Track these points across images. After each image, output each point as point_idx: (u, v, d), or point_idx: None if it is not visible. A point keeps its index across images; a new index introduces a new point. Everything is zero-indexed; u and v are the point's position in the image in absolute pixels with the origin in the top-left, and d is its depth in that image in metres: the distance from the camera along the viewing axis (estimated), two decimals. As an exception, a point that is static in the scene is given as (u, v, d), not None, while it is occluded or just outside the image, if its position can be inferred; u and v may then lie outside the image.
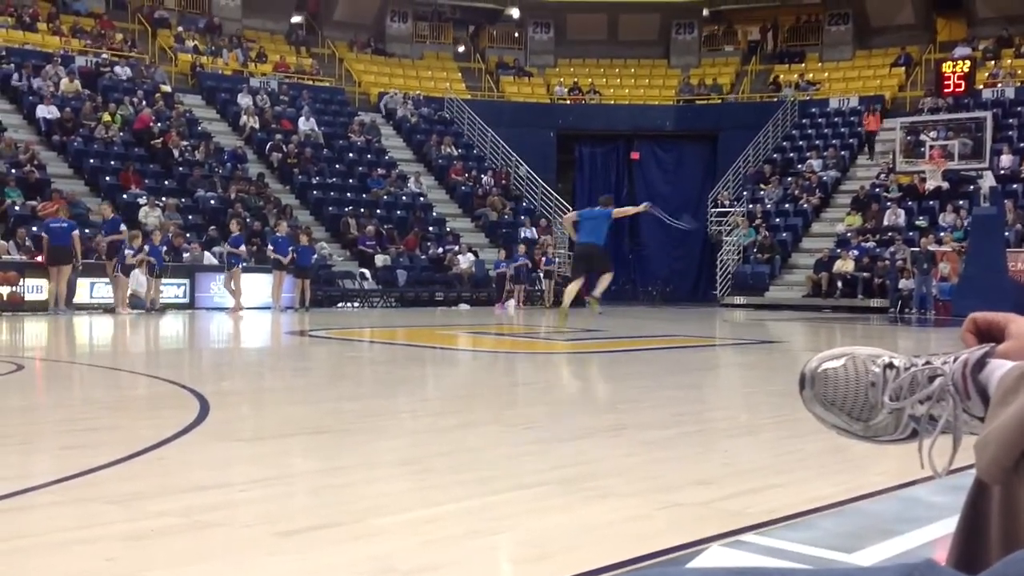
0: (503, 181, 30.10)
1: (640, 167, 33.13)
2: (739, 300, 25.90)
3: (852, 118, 30.84)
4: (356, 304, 22.78)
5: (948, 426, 1.04)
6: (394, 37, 34.86)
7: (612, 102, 33.80)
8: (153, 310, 18.45)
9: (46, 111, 24.11)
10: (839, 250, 25.31)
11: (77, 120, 24.31)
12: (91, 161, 23.40)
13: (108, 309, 17.82)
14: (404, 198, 27.60)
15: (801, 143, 30.70)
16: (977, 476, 0.94)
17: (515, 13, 35.47)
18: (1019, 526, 0.89)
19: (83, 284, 18.69)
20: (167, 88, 27.36)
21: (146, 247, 18.70)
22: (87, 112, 24.69)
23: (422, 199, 28.06)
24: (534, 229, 27.99)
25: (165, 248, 19.52)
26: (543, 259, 25.71)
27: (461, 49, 36.23)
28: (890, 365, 1.09)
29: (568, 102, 33.60)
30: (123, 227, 18.66)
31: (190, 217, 23.07)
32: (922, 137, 23.47)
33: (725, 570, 0.77)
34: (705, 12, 35.21)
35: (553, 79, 34.72)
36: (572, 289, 14.36)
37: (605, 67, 35.39)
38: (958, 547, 0.97)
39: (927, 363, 1.08)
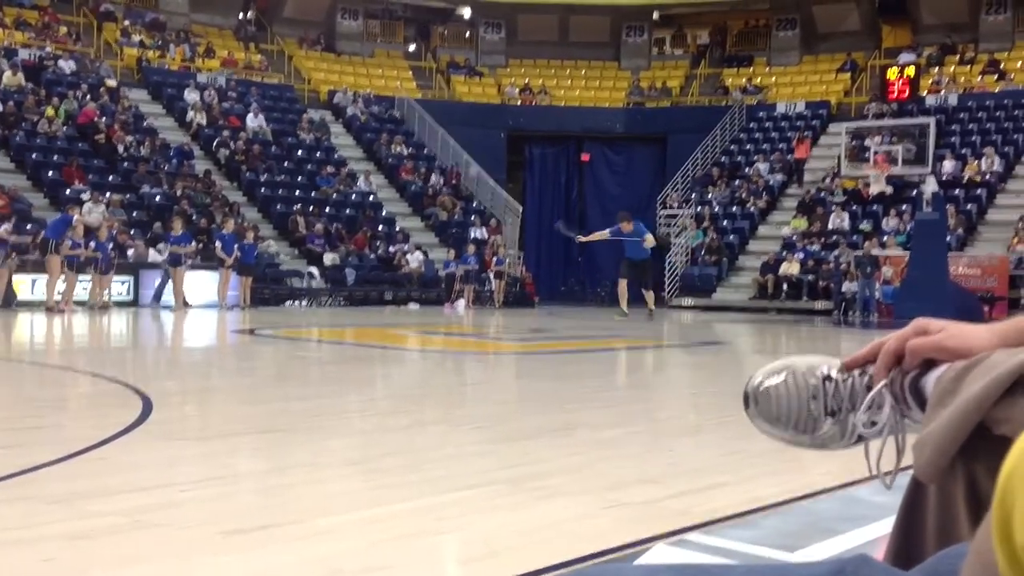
0: (453, 181, 30.06)
1: (590, 169, 33.25)
2: (687, 301, 26.09)
3: (798, 122, 31.21)
4: (304, 303, 22.62)
5: (892, 431, 1.06)
6: (344, 35, 34.64)
7: (563, 103, 33.89)
8: (97, 307, 18.18)
9: (-13, 104, 23.68)
10: (785, 253, 25.60)
11: (20, 114, 23.89)
12: (33, 156, 23.01)
13: (49, 307, 17.50)
14: (353, 196, 27.46)
15: (749, 147, 30.99)
16: (914, 475, 0.96)
17: (466, 13, 35.41)
18: (953, 524, 0.91)
19: (24, 281, 18.38)
20: (112, 83, 26.95)
21: (92, 243, 18.41)
22: (30, 106, 24.27)
23: (372, 198, 27.93)
24: (484, 229, 27.98)
25: (112, 245, 19.23)
26: (493, 259, 25.71)
27: (412, 48, 36.11)
28: (828, 377, 1.10)
29: (519, 103, 33.63)
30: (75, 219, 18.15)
31: (135, 213, 22.76)
32: (867, 142, 23.82)
33: (668, 567, 0.78)
34: (655, 15, 35.41)
35: (504, 79, 34.74)
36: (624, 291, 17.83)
37: (556, 68, 35.47)
38: (895, 544, 0.99)
39: (863, 372, 1.10)
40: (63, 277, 17.71)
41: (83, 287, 18.60)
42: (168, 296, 19.76)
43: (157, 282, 20.00)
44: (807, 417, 1.10)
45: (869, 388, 1.07)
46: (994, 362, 0.91)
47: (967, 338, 1.00)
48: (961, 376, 0.93)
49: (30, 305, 18.04)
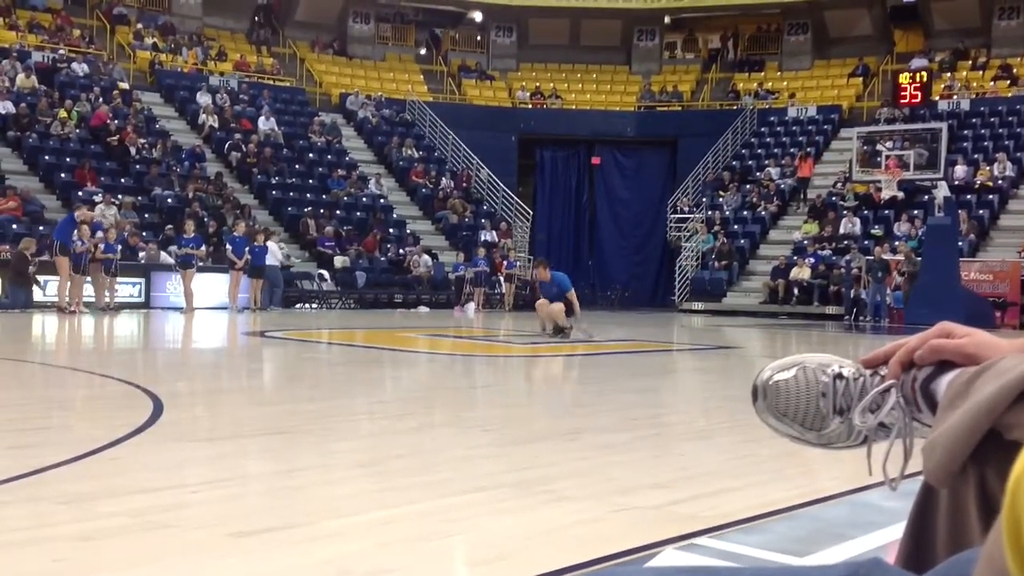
0: (464, 184, 30.09)
1: (601, 172, 33.25)
2: (697, 306, 26.05)
3: (810, 127, 31.16)
4: (314, 305, 22.65)
5: (900, 434, 1.05)
6: (356, 38, 34.72)
7: (574, 107, 33.90)
8: (108, 309, 18.23)
9: (1, 106, 23.76)
10: (796, 257, 25.53)
11: (32, 116, 23.99)
12: (46, 158, 23.10)
13: (62, 308, 17.56)
14: (364, 199, 27.50)
15: (760, 151, 30.95)
16: (925, 480, 0.95)
17: (478, 16, 35.46)
18: (965, 528, 0.90)
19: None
20: (125, 85, 27.05)
21: (101, 245, 18.47)
22: (43, 108, 24.37)
23: (382, 201, 27.97)
24: (494, 232, 27.99)
25: (120, 246, 19.28)
26: (503, 262, 25.71)
27: (423, 51, 36.18)
28: (839, 375, 1.10)
29: (530, 106, 33.65)
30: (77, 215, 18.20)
31: (146, 216, 22.83)
32: (878, 147, 23.75)
33: (678, 569, 0.78)
34: (666, 19, 35.41)
35: (515, 83, 34.76)
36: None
37: (567, 72, 35.49)
38: (906, 548, 0.98)
39: (875, 373, 1.09)
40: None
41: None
42: (178, 297, 19.80)
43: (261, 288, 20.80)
44: (815, 414, 1.10)
45: (879, 391, 1.06)
46: (1005, 367, 0.91)
47: (991, 347, 0.99)
48: (972, 380, 0.93)
49: (42, 306, 18.11)
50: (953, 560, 0.78)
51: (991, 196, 25.78)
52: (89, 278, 18.22)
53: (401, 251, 25.73)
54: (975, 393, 0.91)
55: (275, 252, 21.57)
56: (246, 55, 31.81)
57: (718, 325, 20.15)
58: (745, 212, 28.55)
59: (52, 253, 17.77)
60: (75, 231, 17.72)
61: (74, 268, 17.70)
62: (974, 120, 28.80)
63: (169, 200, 23.56)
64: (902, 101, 29.39)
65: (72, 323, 15.09)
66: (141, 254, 20.72)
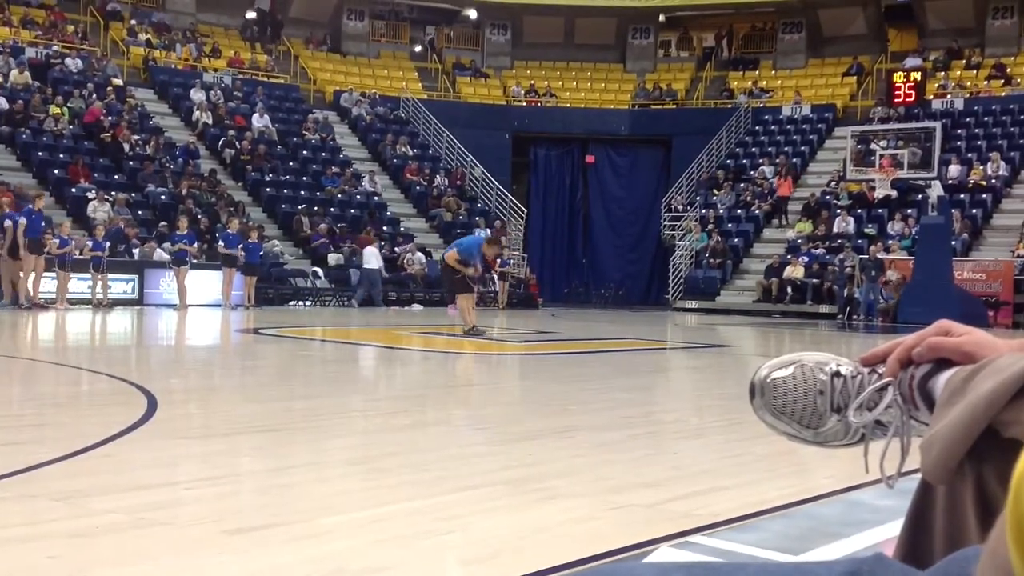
0: (458, 182, 30.08)
1: (595, 171, 33.24)
2: (691, 304, 26.07)
3: (804, 126, 31.19)
4: (308, 303, 22.62)
5: (896, 432, 1.05)
6: (350, 36, 34.69)
7: (568, 105, 33.89)
8: (101, 306, 18.19)
9: (-6, 102, 23.72)
10: (789, 256, 25.55)
11: (26, 112, 23.92)
12: (39, 154, 23.03)
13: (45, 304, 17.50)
14: (358, 197, 27.47)
15: (754, 150, 30.96)
16: (923, 478, 0.95)
17: (472, 14, 35.44)
18: (963, 526, 0.90)
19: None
20: (119, 81, 27.00)
21: (89, 242, 18.40)
22: (36, 104, 24.30)
23: (376, 198, 27.95)
24: (489, 230, 27.96)
25: (109, 243, 19.20)
26: (497, 261, 25.68)
27: (418, 49, 36.15)
28: (837, 373, 1.10)
29: (524, 104, 33.64)
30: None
31: (140, 212, 22.78)
32: (872, 146, 23.78)
33: (678, 565, 0.77)
34: (661, 18, 35.40)
35: (510, 81, 34.74)
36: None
37: (561, 70, 35.49)
38: (903, 546, 0.98)
39: (873, 371, 1.09)
40: (51, 275, 17.71)
41: (86, 285, 18.65)
42: (172, 294, 19.74)
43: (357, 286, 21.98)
44: (812, 412, 1.10)
45: (877, 389, 1.06)
46: (1003, 364, 0.90)
47: (989, 346, 0.98)
48: (970, 378, 0.93)
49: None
50: (953, 557, 0.78)
51: (984, 195, 25.83)
52: (55, 273, 17.97)
53: (395, 249, 25.71)
54: (973, 390, 0.90)
55: (374, 255, 22.87)
56: (240, 52, 31.75)
57: (712, 324, 20.17)
58: (739, 211, 28.57)
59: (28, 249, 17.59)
60: (47, 227, 17.48)
61: (59, 265, 17.65)
62: (968, 119, 28.84)
63: (163, 197, 23.51)
64: (896, 100, 29.44)
65: (59, 319, 15.05)
66: (135, 251, 20.67)
